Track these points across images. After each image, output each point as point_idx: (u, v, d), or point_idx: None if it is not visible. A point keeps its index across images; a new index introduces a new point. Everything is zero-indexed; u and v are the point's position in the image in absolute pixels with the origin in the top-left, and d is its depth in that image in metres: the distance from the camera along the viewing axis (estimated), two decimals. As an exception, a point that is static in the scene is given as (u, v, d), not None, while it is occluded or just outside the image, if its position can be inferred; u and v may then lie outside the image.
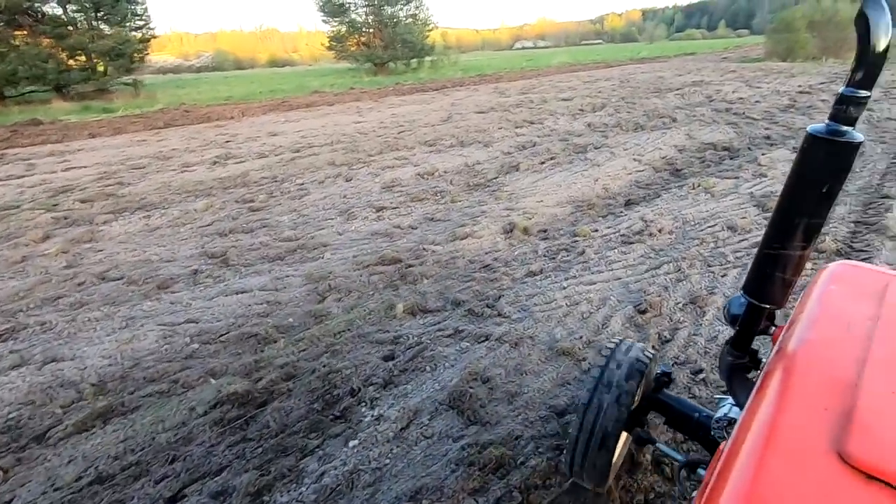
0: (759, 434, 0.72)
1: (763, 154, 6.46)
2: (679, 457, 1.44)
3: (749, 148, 6.88)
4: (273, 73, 39.45)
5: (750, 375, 1.23)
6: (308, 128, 10.35)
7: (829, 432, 0.69)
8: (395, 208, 4.98)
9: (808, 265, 3.26)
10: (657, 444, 1.51)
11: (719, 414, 1.24)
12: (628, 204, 4.88)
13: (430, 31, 26.61)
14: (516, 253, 3.83)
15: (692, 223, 4.28)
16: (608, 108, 11.06)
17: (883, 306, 1.05)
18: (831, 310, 1.07)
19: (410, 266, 3.63)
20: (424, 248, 3.92)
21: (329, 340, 2.76)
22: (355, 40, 26.69)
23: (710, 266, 3.48)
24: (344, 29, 26.49)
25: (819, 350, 0.93)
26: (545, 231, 4.24)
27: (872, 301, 1.07)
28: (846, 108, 0.96)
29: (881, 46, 0.89)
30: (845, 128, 0.96)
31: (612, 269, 3.49)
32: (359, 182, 6.01)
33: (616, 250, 3.80)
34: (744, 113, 9.55)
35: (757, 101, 11.00)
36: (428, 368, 2.51)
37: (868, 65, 0.91)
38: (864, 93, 0.93)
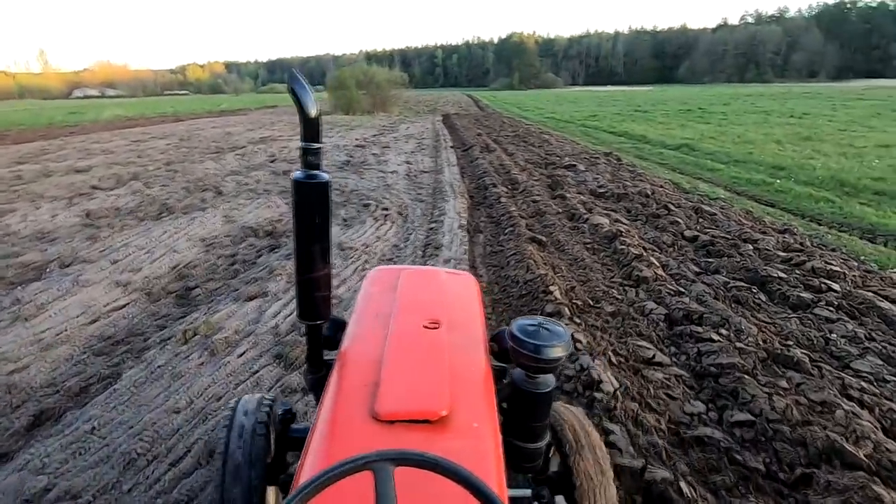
0: (324, 416, 1.05)
1: (310, 236, 5.18)
2: None
3: (296, 228, 5.54)
4: None
5: None
6: None
7: (366, 401, 1.03)
8: None
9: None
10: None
11: None
12: (36, 425, 2.35)
13: None
14: None
15: (133, 473, 2.12)
16: (138, 181, 8.19)
17: (396, 291, 1.50)
18: (368, 305, 1.48)
19: None
20: None
21: None
22: None
23: None
24: None
25: (360, 340, 1.32)
26: None
27: (391, 290, 1.52)
28: (308, 158, 1.25)
29: (313, 112, 1.21)
30: (315, 171, 1.25)
31: None
32: None
33: None
34: (301, 175, 8.61)
35: (317, 159, 10.47)
36: None
37: (310, 125, 1.22)
38: (316, 145, 1.24)
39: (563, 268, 4.18)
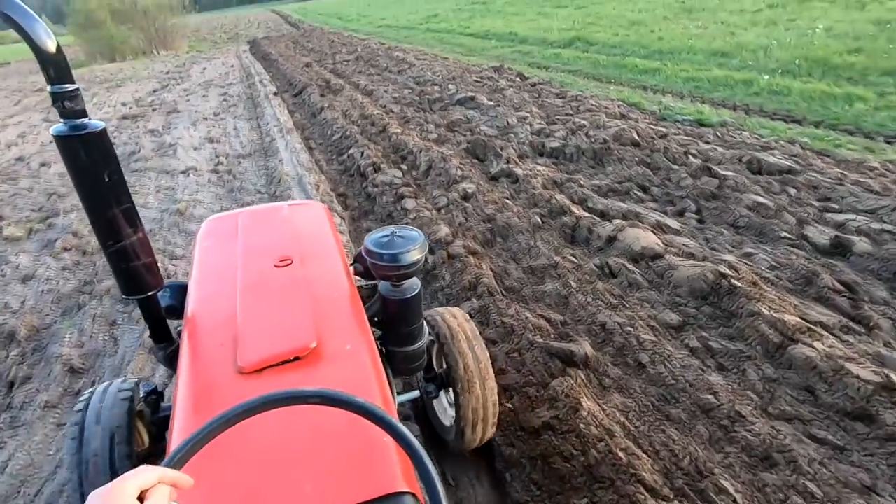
0: (184, 380, 0.97)
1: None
2: None
3: None
4: None
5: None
6: None
7: (229, 358, 0.97)
8: None
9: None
10: None
11: None
12: None
13: None
14: None
15: None
16: None
17: (236, 238, 1.38)
18: (206, 261, 1.34)
19: None
20: None
21: None
22: None
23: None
24: None
25: (206, 298, 1.20)
26: None
27: (231, 239, 1.38)
28: (64, 104, 1.00)
29: (51, 45, 0.95)
30: (82, 121, 1.02)
31: None
32: None
33: None
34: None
35: (44, 165, 5.94)
36: None
37: (53, 63, 0.96)
38: (70, 86, 1.00)
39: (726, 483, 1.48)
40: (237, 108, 7.90)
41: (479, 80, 7.15)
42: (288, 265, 1.24)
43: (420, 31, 15.30)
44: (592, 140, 4.10)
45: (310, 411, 0.67)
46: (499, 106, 5.65)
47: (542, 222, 3.05)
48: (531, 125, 4.84)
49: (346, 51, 12.65)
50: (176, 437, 0.85)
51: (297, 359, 0.96)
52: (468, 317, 1.60)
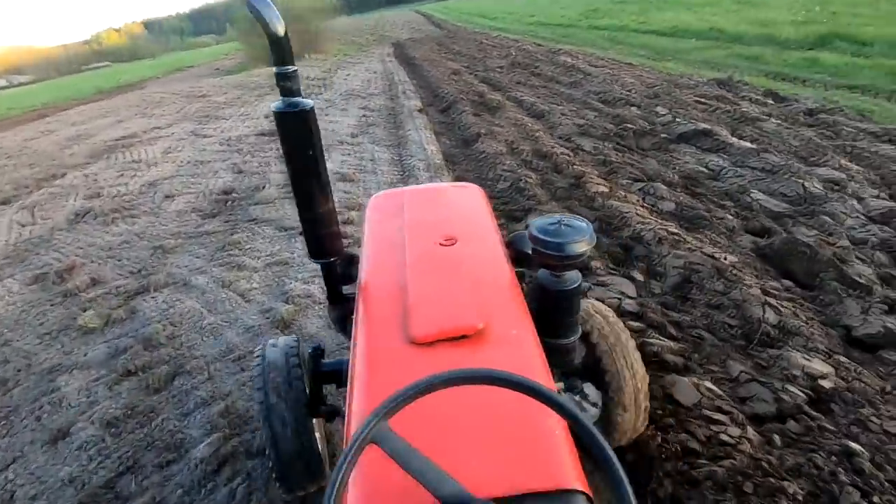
0: (360, 347, 1.02)
1: None
2: None
3: None
4: None
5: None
6: None
7: (399, 326, 1.01)
8: None
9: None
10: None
11: None
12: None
13: None
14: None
15: None
16: None
17: (404, 215, 1.43)
18: (376, 234, 1.43)
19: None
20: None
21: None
22: None
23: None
24: None
25: (377, 269, 1.27)
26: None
27: (398, 215, 1.44)
28: (284, 84, 1.19)
29: (280, 30, 1.14)
30: (295, 99, 1.21)
31: None
32: None
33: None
34: (80, 293, 3.49)
35: (167, 198, 5.24)
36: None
37: (279, 47, 1.16)
38: (291, 68, 1.19)
39: None
40: (377, 127, 6.71)
41: (701, 99, 5.01)
42: (452, 244, 1.27)
43: (581, 30, 13.20)
44: None
45: (480, 394, 0.68)
46: (765, 151, 3.53)
47: None
48: (859, 198, 2.70)
49: (496, 54, 11.11)
50: (356, 397, 0.89)
51: (464, 337, 0.97)
52: (612, 311, 1.60)
